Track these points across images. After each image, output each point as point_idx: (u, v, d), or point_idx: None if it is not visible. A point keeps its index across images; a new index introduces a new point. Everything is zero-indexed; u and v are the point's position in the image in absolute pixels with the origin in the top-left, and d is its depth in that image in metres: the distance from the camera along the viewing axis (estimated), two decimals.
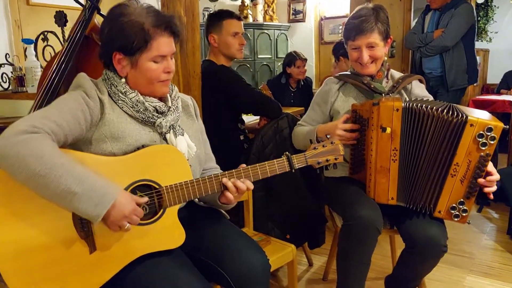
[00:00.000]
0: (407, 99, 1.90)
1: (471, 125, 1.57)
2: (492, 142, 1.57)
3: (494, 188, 1.64)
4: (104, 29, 1.34)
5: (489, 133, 1.57)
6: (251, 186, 1.39)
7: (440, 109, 1.64)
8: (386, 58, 1.97)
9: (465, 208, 1.66)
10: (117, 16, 1.32)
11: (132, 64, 1.33)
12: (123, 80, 1.36)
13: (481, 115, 1.63)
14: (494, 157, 1.69)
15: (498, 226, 3.12)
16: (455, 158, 1.62)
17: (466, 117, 1.58)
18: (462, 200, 1.66)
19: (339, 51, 3.16)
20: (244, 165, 1.41)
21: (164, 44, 1.33)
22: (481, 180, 1.62)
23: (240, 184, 1.37)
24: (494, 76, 6.74)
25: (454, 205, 1.67)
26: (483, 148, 1.58)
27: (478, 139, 1.58)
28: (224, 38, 2.37)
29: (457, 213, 1.67)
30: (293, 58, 4.02)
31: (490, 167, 1.62)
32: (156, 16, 1.33)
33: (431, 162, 1.68)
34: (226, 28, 2.37)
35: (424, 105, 1.66)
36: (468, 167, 1.62)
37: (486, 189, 1.63)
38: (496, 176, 1.63)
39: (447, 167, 1.65)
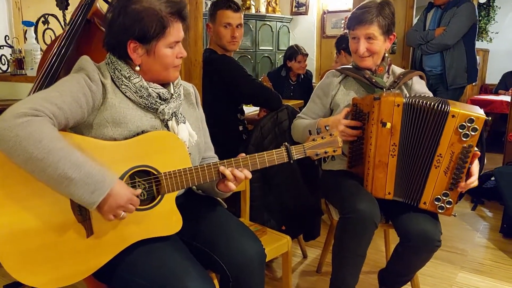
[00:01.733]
0: (407, 95, 1.91)
1: (453, 116, 1.60)
2: (473, 133, 1.59)
3: (474, 184, 1.65)
4: (115, 18, 1.31)
5: (470, 124, 1.59)
6: (249, 175, 1.40)
7: (435, 104, 1.65)
8: (387, 54, 1.97)
9: (449, 200, 1.68)
10: (130, 4, 1.29)
11: (148, 52, 1.33)
12: (138, 68, 1.34)
13: (467, 108, 1.64)
14: (481, 158, 1.71)
15: (491, 224, 3.14)
16: (438, 149, 1.65)
17: (448, 107, 1.60)
18: (446, 191, 1.68)
19: (342, 44, 3.16)
20: (243, 154, 1.41)
21: (178, 30, 1.35)
22: (462, 184, 1.64)
23: (238, 173, 1.37)
24: (493, 77, 6.76)
25: (438, 196, 1.69)
26: (465, 139, 1.60)
27: (460, 130, 1.60)
28: (216, 28, 2.36)
29: (441, 204, 1.69)
30: (294, 52, 3.99)
31: (475, 166, 1.65)
32: (168, 2, 1.32)
33: (421, 154, 1.69)
34: (219, 18, 2.35)
35: (425, 101, 1.67)
36: (451, 158, 1.64)
37: (466, 183, 1.64)
38: (474, 179, 1.65)
39: (431, 158, 1.67)
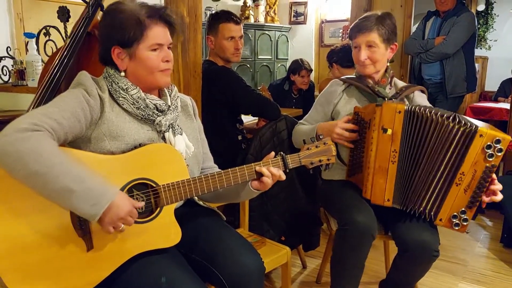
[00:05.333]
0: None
1: (481, 135, 1.59)
2: (499, 154, 1.59)
3: (500, 197, 1.65)
4: (101, 29, 1.38)
5: (497, 145, 1.58)
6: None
7: (445, 115, 1.66)
8: (389, 64, 2.00)
9: (465, 217, 1.68)
10: (112, 12, 1.36)
11: (130, 56, 1.35)
12: (123, 74, 1.37)
13: (486, 126, 1.65)
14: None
15: (491, 234, 3.14)
16: (461, 167, 1.64)
17: (477, 127, 1.60)
18: (464, 209, 1.67)
19: (332, 57, 3.18)
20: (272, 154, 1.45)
21: (159, 32, 1.36)
22: (485, 199, 1.64)
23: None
24: (492, 84, 6.77)
25: (455, 213, 1.68)
26: (490, 159, 1.60)
27: (486, 150, 1.59)
28: (219, 41, 2.38)
29: (457, 222, 1.68)
30: (298, 67, 3.96)
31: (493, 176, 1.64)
32: (150, 7, 1.36)
33: (431, 167, 1.69)
34: (221, 31, 2.37)
35: (427, 110, 1.68)
36: (473, 177, 1.63)
37: (488, 199, 1.64)
38: (498, 186, 1.65)
39: (452, 175, 1.66)
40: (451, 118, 1.65)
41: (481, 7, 6.88)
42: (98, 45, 1.42)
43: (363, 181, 1.81)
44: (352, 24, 1.97)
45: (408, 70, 4.04)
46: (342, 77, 2.06)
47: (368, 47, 1.88)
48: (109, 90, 1.36)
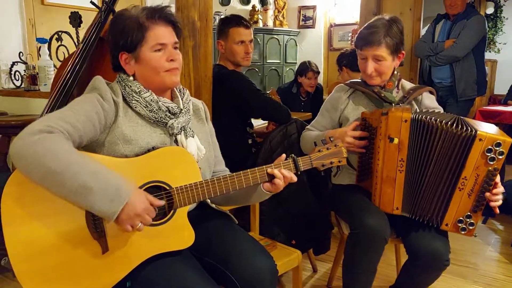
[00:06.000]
0: (418, 110, 1.91)
1: (480, 139, 1.58)
2: (500, 157, 1.58)
3: (500, 202, 1.65)
4: (108, 36, 1.41)
5: (497, 148, 1.58)
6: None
7: (449, 122, 1.65)
8: (396, 68, 1.98)
9: (472, 221, 1.67)
10: (116, 20, 1.39)
11: (136, 59, 1.37)
12: (131, 78, 1.40)
13: (489, 129, 1.64)
14: (501, 170, 1.70)
15: (502, 237, 3.11)
16: (463, 172, 1.63)
17: (476, 131, 1.59)
18: (469, 213, 1.67)
19: (342, 61, 3.19)
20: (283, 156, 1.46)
21: (161, 32, 1.37)
22: (487, 194, 1.63)
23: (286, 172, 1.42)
24: (501, 87, 6.71)
25: (461, 218, 1.68)
26: (491, 163, 1.59)
27: (487, 154, 1.59)
28: (230, 45, 2.39)
29: (464, 226, 1.68)
30: (305, 68, 3.97)
31: (496, 179, 1.63)
32: (149, 9, 1.38)
33: (438, 174, 1.68)
34: (232, 36, 2.38)
35: (433, 118, 1.67)
36: (476, 181, 1.63)
37: (492, 203, 1.64)
38: (500, 189, 1.64)
39: (455, 180, 1.65)
40: (454, 123, 1.64)
41: (490, 10, 6.84)
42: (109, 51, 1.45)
43: (372, 190, 1.81)
44: (358, 33, 1.93)
45: (417, 73, 4.03)
46: (347, 82, 2.04)
47: (375, 60, 1.85)
48: (122, 94, 1.37)
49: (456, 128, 1.63)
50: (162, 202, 1.26)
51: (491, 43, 7.08)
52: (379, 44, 1.82)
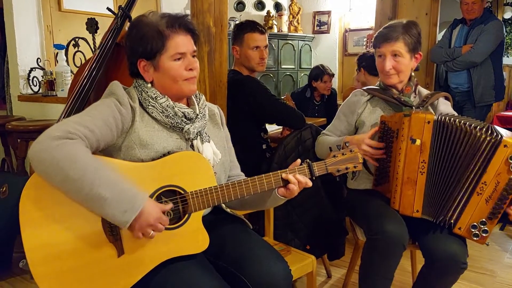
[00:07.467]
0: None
1: (505, 146, 1.56)
2: None
3: None
4: (126, 44, 1.42)
5: None
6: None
7: (473, 125, 1.63)
8: (413, 73, 1.97)
9: (485, 228, 1.64)
10: (134, 26, 1.39)
11: (155, 68, 1.38)
12: (149, 85, 1.40)
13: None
14: None
15: None
16: (484, 176, 1.61)
17: (501, 137, 1.57)
18: (484, 220, 1.64)
19: (362, 62, 3.16)
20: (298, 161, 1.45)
21: (180, 41, 1.37)
22: (509, 211, 1.61)
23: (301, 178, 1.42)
24: None
25: (475, 223, 1.65)
26: None
27: (510, 161, 1.56)
28: (245, 51, 2.40)
29: (477, 232, 1.65)
30: (320, 73, 3.95)
31: None
32: (169, 17, 1.38)
33: (458, 177, 1.66)
34: (247, 41, 2.39)
35: (457, 120, 1.66)
36: (495, 188, 1.60)
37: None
38: None
39: (474, 184, 1.63)
40: (484, 128, 1.62)
41: (508, 15, 6.75)
42: (126, 57, 1.46)
43: (391, 192, 1.79)
44: (377, 33, 1.95)
45: (433, 78, 3.99)
46: (364, 88, 2.04)
47: (393, 56, 1.86)
48: (139, 99, 1.39)
49: (480, 131, 1.61)
50: (169, 206, 1.28)
51: (509, 48, 6.98)
52: (397, 40, 1.84)
